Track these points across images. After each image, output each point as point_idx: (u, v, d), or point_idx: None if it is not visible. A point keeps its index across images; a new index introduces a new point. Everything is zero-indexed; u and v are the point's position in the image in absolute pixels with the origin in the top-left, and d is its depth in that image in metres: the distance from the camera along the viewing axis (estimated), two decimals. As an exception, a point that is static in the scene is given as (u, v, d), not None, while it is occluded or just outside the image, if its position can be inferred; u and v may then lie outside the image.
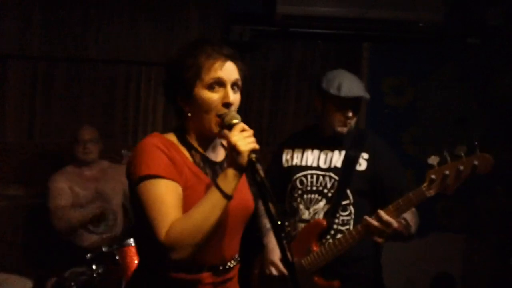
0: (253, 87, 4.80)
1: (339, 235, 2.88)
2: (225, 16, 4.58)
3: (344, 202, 2.93)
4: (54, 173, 4.14)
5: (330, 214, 2.93)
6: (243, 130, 1.80)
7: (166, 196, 1.81)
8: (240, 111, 1.94)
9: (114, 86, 4.61)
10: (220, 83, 1.91)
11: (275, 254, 2.90)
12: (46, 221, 4.09)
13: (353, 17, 4.46)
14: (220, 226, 1.87)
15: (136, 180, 1.84)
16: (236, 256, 2.07)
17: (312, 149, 3.04)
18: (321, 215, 2.96)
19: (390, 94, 5.03)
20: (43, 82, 4.49)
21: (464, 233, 5.17)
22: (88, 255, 3.51)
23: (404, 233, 2.75)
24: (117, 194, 4.16)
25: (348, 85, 2.90)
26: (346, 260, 2.87)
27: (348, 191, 2.93)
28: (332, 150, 3.00)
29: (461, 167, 2.52)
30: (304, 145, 3.06)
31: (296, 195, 3.03)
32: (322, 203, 2.97)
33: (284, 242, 1.79)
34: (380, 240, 2.67)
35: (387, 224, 2.61)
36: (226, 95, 1.90)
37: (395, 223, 2.62)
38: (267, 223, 2.99)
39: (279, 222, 1.80)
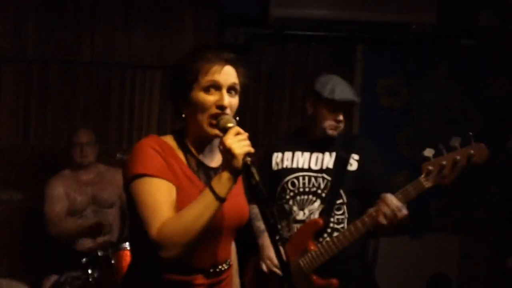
0: (247, 88, 4.79)
1: (335, 234, 2.92)
2: (219, 18, 4.59)
3: (338, 202, 2.98)
4: (50, 178, 4.13)
5: (326, 214, 2.97)
6: (237, 134, 1.81)
7: (159, 195, 1.83)
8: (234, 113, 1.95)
9: (109, 89, 4.60)
10: (216, 86, 1.92)
11: (271, 250, 2.92)
12: (41, 225, 4.08)
13: (346, 19, 4.49)
14: (213, 230, 1.88)
15: (130, 179, 1.87)
16: (228, 260, 2.07)
17: (302, 151, 3.09)
18: (316, 215, 3.00)
19: (384, 96, 5.04)
20: (37, 85, 4.48)
21: (459, 233, 5.18)
22: (84, 259, 3.50)
23: (405, 221, 2.74)
24: (114, 198, 4.15)
25: (341, 89, 2.97)
26: (343, 258, 2.91)
27: (341, 191, 2.98)
28: (323, 152, 3.05)
29: (458, 157, 2.55)
30: (294, 148, 3.11)
31: (287, 197, 3.05)
32: (316, 204, 3.00)
33: (279, 244, 1.80)
34: (388, 227, 2.68)
35: (398, 208, 2.63)
36: (220, 98, 1.91)
37: (405, 210, 2.65)
38: (261, 225, 3.02)
39: (274, 225, 1.81)
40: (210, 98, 1.91)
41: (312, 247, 2.93)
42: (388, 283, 4.69)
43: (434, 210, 5.12)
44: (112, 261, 3.41)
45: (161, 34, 4.54)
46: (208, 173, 1.99)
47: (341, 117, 2.98)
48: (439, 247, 5.09)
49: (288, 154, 3.10)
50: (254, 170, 1.77)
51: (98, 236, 3.92)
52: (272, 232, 1.80)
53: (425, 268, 5.02)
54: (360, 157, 3.01)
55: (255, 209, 2.99)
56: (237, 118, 1.96)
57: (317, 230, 2.96)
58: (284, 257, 1.80)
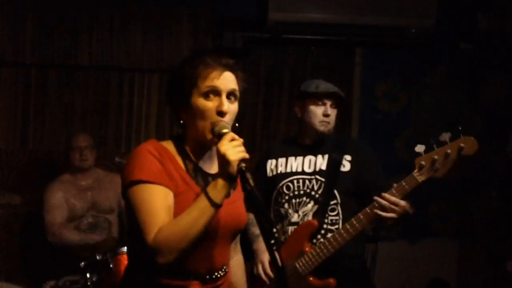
0: (245, 93, 4.79)
1: (329, 235, 2.94)
2: (217, 22, 4.58)
3: (332, 202, 3.01)
4: (50, 183, 4.12)
5: (320, 215, 2.99)
6: (232, 140, 1.80)
7: (156, 201, 1.83)
8: (235, 118, 1.95)
9: (107, 93, 4.60)
10: (216, 91, 1.92)
11: (265, 254, 2.98)
12: (40, 229, 4.07)
13: (345, 23, 4.49)
14: (209, 236, 1.88)
15: (128, 184, 1.87)
16: (225, 267, 2.07)
17: (296, 156, 3.13)
18: (310, 217, 3.02)
19: (383, 99, 5.04)
20: (36, 89, 4.48)
21: (458, 238, 5.18)
22: (82, 263, 3.49)
23: (410, 211, 2.80)
24: (113, 203, 4.14)
25: (325, 84, 3.10)
26: (341, 259, 2.92)
27: (335, 192, 3.02)
28: (315, 154, 3.10)
29: (448, 151, 2.64)
30: (287, 154, 3.16)
31: (283, 200, 3.09)
32: (310, 205, 3.03)
33: (274, 249, 1.80)
34: (390, 221, 2.75)
35: (395, 203, 2.70)
36: (220, 104, 1.90)
37: (403, 202, 2.72)
38: (255, 231, 3.04)
39: (269, 230, 1.81)
40: (210, 104, 1.91)
41: (307, 249, 2.94)
42: (387, 287, 4.70)
43: (433, 214, 5.12)
44: (111, 265, 3.40)
45: (159, 37, 4.53)
46: (206, 180, 1.98)
47: (329, 111, 3.05)
48: (437, 251, 5.09)
49: (281, 160, 3.15)
50: (248, 175, 1.77)
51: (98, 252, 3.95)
52: (267, 237, 1.80)
53: (424, 272, 5.01)
54: (352, 158, 3.06)
55: (250, 215, 3.01)
56: (237, 124, 1.97)
57: (312, 232, 2.97)
58: (279, 263, 1.80)
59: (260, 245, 3.00)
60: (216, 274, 2.01)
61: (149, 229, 1.79)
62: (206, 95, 1.91)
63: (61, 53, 4.41)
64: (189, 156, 1.98)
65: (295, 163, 3.11)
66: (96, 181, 4.18)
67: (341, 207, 3.01)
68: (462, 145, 2.63)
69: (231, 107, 1.93)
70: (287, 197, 3.07)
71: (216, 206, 1.81)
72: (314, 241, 2.97)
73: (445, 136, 2.66)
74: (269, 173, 3.15)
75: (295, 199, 3.06)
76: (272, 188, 3.12)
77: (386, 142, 4.97)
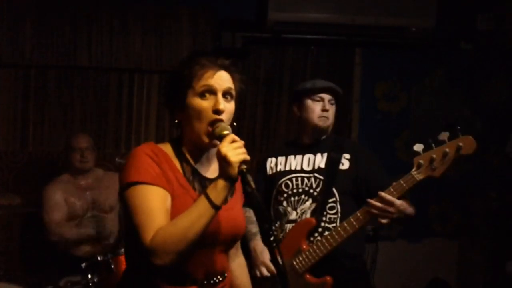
0: (245, 93, 4.78)
1: (327, 233, 2.93)
2: (216, 23, 4.58)
3: (330, 200, 3.01)
4: (49, 183, 4.11)
5: (318, 213, 2.99)
6: (233, 141, 1.80)
7: (153, 202, 1.82)
8: (233, 118, 1.95)
9: (107, 94, 4.60)
10: (211, 91, 1.91)
11: (265, 255, 2.95)
12: (40, 230, 4.07)
13: (345, 23, 4.48)
14: (207, 241, 1.88)
15: (125, 186, 1.86)
16: (225, 272, 2.05)
17: (295, 155, 3.15)
18: (308, 214, 3.02)
19: (383, 100, 5.04)
20: (35, 90, 4.47)
21: (458, 238, 5.18)
22: (83, 263, 3.48)
23: (407, 211, 2.81)
24: (113, 203, 4.14)
25: (322, 80, 3.16)
26: (339, 258, 2.93)
27: (334, 190, 3.02)
28: (314, 153, 3.12)
29: (447, 150, 2.66)
30: (287, 152, 3.18)
31: (282, 198, 3.10)
32: (308, 203, 3.04)
33: (275, 249, 1.80)
34: (384, 221, 2.76)
35: (389, 203, 2.72)
36: (216, 102, 1.90)
37: (397, 201, 2.73)
38: (253, 228, 3.03)
39: (269, 231, 1.80)
40: (205, 104, 1.90)
41: (305, 247, 2.95)
42: (387, 286, 4.70)
43: (433, 214, 5.12)
44: (112, 266, 3.40)
45: (158, 38, 4.52)
46: (203, 183, 1.97)
47: (327, 106, 3.08)
48: (437, 252, 5.09)
49: (281, 159, 3.17)
50: (249, 177, 1.77)
51: (97, 243, 3.93)
52: (269, 239, 1.80)
53: (424, 273, 5.01)
54: (351, 156, 3.07)
55: (247, 213, 3.01)
56: (235, 123, 1.95)
57: (309, 230, 2.98)
58: (281, 263, 1.80)
59: (258, 245, 3.00)
60: (214, 279, 1.99)
61: (147, 231, 1.77)
62: (201, 95, 1.90)
63: (61, 54, 4.40)
64: (186, 159, 1.97)
65: (294, 162, 3.13)
66: (96, 180, 4.17)
67: (340, 205, 3.01)
68: (460, 144, 2.65)
69: (227, 106, 1.92)
70: (285, 195, 3.08)
71: (216, 208, 1.80)
72: (312, 239, 2.98)
73: (444, 135, 2.68)
74: (268, 171, 3.16)
75: (294, 197, 3.06)
76: (272, 187, 3.13)
77: (385, 142, 4.97)
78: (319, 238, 2.95)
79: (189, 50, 4.50)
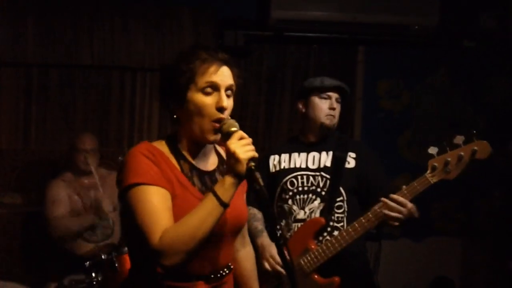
0: (248, 92, 4.79)
1: (335, 232, 2.94)
2: (218, 21, 4.57)
3: (338, 199, 3.00)
4: (51, 180, 4.11)
5: (327, 212, 2.98)
6: (241, 138, 1.79)
7: (156, 203, 1.80)
8: (235, 116, 1.93)
9: (109, 92, 4.59)
10: (214, 87, 1.89)
11: (273, 248, 2.93)
12: (43, 229, 4.06)
13: (348, 21, 4.47)
14: (213, 235, 1.86)
15: (125, 188, 1.84)
16: (229, 264, 2.05)
17: (299, 152, 3.13)
18: (317, 214, 3.01)
19: (386, 98, 5.03)
20: (37, 89, 4.47)
21: (462, 237, 5.17)
22: (87, 262, 3.48)
23: (415, 214, 2.81)
24: (116, 201, 4.13)
25: (330, 79, 3.12)
26: (345, 256, 2.91)
27: (341, 189, 3.01)
28: (319, 151, 3.10)
29: (462, 153, 2.69)
30: (291, 150, 3.15)
31: (287, 196, 3.07)
32: (316, 202, 3.02)
33: (284, 247, 1.79)
34: (396, 223, 2.76)
35: (401, 204, 2.72)
36: (220, 100, 1.88)
37: (410, 204, 2.74)
38: (259, 226, 3.03)
39: (277, 228, 1.81)
40: (209, 100, 1.88)
41: (313, 246, 2.94)
42: (391, 285, 4.68)
43: (437, 213, 5.11)
44: (116, 265, 3.38)
45: (160, 36, 4.52)
46: (203, 178, 1.96)
47: (334, 104, 3.06)
48: (441, 250, 5.08)
49: (285, 156, 3.14)
50: (258, 175, 1.76)
51: (100, 213, 3.93)
52: (277, 236, 1.79)
53: (427, 271, 5.00)
54: (356, 155, 3.06)
55: (252, 210, 3.01)
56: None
57: (318, 229, 2.97)
58: (289, 259, 1.80)
59: (266, 240, 2.98)
60: (221, 272, 1.99)
61: (153, 232, 1.76)
62: (204, 91, 1.88)
63: (63, 52, 4.40)
64: (183, 156, 1.95)
65: (298, 159, 3.10)
66: (99, 179, 4.16)
67: (346, 205, 3.01)
68: (475, 148, 2.68)
69: (229, 103, 1.91)
70: (291, 193, 3.06)
71: (225, 205, 1.79)
72: (320, 238, 2.97)
73: (459, 139, 2.70)
74: (271, 169, 3.13)
75: (300, 196, 3.04)
76: (275, 184, 3.10)
77: (388, 140, 4.96)
78: (328, 238, 2.95)
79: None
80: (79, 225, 3.98)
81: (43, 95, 4.48)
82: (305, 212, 3.02)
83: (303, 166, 3.08)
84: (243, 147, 1.77)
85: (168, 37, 4.53)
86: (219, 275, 1.98)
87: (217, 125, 1.88)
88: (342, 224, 2.98)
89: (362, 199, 3.04)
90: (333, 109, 3.06)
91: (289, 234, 3.03)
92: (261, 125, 4.85)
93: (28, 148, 4.50)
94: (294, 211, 3.04)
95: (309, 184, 3.04)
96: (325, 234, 2.97)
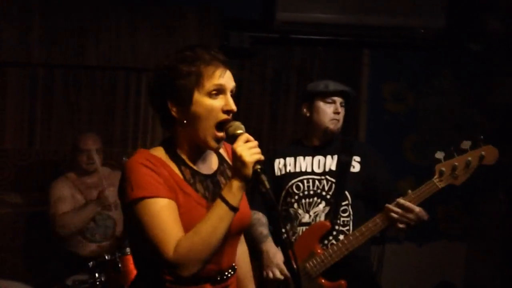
0: (252, 93, 4.80)
1: (341, 236, 2.94)
2: (224, 22, 4.57)
3: (343, 203, 3.00)
4: (55, 180, 4.11)
5: (332, 216, 2.98)
6: (247, 141, 1.79)
7: (164, 215, 1.79)
8: (239, 117, 1.92)
9: (114, 93, 4.60)
10: (221, 90, 1.87)
11: (279, 257, 2.92)
12: (46, 229, 4.07)
13: (353, 23, 4.47)
14: None
15: (130, 203, 1.81)
16: (234, 265, 2.05)
17: (304, 156, 3.12)
18: (322, 217, 3.00)
19: (391, 101, 5.02)
20: (42, 90, 4.47)
21: (466, 240, 5.15)
22: (91, 263, 3.48)
23: (424, 217, 2.82)
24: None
25: (334, 83, 3.10)
26: (348, 260, 2.90)
27: (346, 193, 3.01)
28: (324, 155, 3.10)
29: (469, 158, 2.70)
30: (295, 153, 3.14)
31: (292, 200, 3.06)
32: (321, 205, 3.02)
33: (290, 250, 1.80)
34: (402, 226, 2.76)
35: (408, 209, 2.73)
36: (227, 103, 1.87)
37: (417, 208, 2.74)
38: (264, 231, 3.01)
39: (284, 232, 1.80)
40: (217, 103, 1.86)
41: (319, 250, 2.93)
42: (394, 289, 4.68)
43: (441, 217, 5.09)
44: (119, 265, 3.39)
45: (166, 38, 4.51)
46: (205, 183, 1.95)
47: (339, 109, 3.06)
48: (445, 254, 5.06)
49: (290, 159, 3.13)
50: (264, 177, 1.76)
51: (105, 203, 3.93)
52: (283, 239, 1.79)
53: (431, 276, 4.99)
54: (361, 159, 3.06)
55: (257, 214, 3.00)
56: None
57: (323, 233, 2.96)
58: (294, 264, 1.80)
59: (271, 247, 2.96)
60: (226, 274, 1.99)
61: (166, 245, 1.75)
62: (211, 94, 1.86)
63: (68, 53, 4.40)
64: (183, 161, 1.93)
65: (304, 163, 3.10)
66: (102, 179, 4.16)
67: (351, 209, 3.01)
68: (483, 153, 2.70)
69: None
70: (296, 197, 3.05)
71: (235, 210, 1.79)
72: (326, 242, 2.97)
73: (466, 144, 2.70)
74: (277, 172, 3.12)
75: (305, 199, 3.04)
76: (280, 188, 3.09)
77: (393, 143, 4.95)
78: (333, 242, 2.94)
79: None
80: (85, 217, 3.96)
81: (48, 95, 4.49)
82: (310, 216, 3.02)
83: (309, 170, 3.08)
84: (249, 150, 1.76)
85: (173, 38, 4.53)
86: (224, 277, 1.98)
87: (220, 134, 1.87)
88: (348, 228, 2.99)
89: (367, 203, 3.04)
90: (338, 113, 3.06)
91: (294, 237, 3.02)
92: (266, 127, 4.85)
93: (33, 147, 4.51)
94: (300, 214, 3.04)
95: (315, 188, 3.04)
96: (330, 238, 2.97)
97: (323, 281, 2.92)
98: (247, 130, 1.84)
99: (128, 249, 3.47)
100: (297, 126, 4.80)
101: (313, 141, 3.13)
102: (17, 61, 4.36)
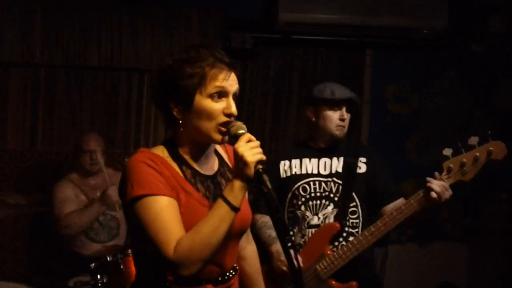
0: (255, 94, 4.79)
1: (351, 238, 2.94)
2: (226, 23, 4.56)
3: (351, 205, 3.01)
4: (58, 181, 4.10)
5: (341, 217, 2.98)
6: (249, 141, 1.78)
7: (165, 213, 1.78)
8: (242, 118, 1.92)
9: (116, 94, 4.59)
10: (223, 93, 1.87)
11: None
12: (49, 230, 4.07)
13: (355, 24, 4.46)
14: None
15: (131, 201, 1.81)
16: (235, 266, 2.05)
17: (310, 158, 3.11)
18: (331, 219, 3.00)
19: (393, 102, 5.01)
20: (44, 90, 4.47)
21: (468, 241, 5.14)
22: (93, 264, 3.47)
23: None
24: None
25: (340, 89, 3.06)
26: (352, 262, 2.90)
27: (354, 194, 3.02)
28: (330, 157, 3.09)
29: (477, 154, 2.68)
30: (301, 155, 3.13)
31: (299, 202, 3.05)
32: (330, 208, 3.02)
33: (292, 251, 1.78)
34: (435, 197, 2.67)
35: (446, 188, 2.68)
36: (229, 106, 1.86)
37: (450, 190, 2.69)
38: (272, 233, 3.01)
39: (285, 232, 1.79)
40: (218, 106, 1.86)
41: (329, 252, 2.93)
42: (396, 290, 4.67)
43: (443, 218, 5.08)
44: (121, 266, 3.38)
45: (168, 38, 4.50)
46: (205, 183, 1.94)
47: (345, 115, 3.05)
48: (447, 255, 5.05)
49: (295, 161, 3.11)
50: (266, 178, 1.75)
51: (108, 202, 3.91)
52: (285, 240, 1.78)
53: (434, 276, 4.98)
54: (367, 160, 3.07)
55: (264, 218, 3.00)
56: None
57: (333, 235, 2.96)
58: (296, 264, 1.79)
59: (280, 247, 2.94)
60: (228, 274, 1.98)
61: (167, 244, 1.74)
62: (213, 97, 1.85)
63: (70, 53, 4.39)
64: (185, 161, 1.93)
65: (310, 165, 3.09)
66: (105, 179, 4.15)
67: (360, 210, 3.02)
68: (491, 149, 2.68)
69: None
70: (303, 199, 3.04)
71: (236, 210, 1.78)
72: (336, 244, 2.97)
73: (473, 140, 2.69)
74: (282, 174, 3.10)
75: (312, 201, 3.03)
76: (286, 190, 3.08)
77: (396, 144, 4.95)
78: (344, 243, 2.94)
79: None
80: (89, 216, 3.94)
81: (50, 96, 4.48)
82: (319, 218, 3.01)
83: (315, 172, 3.07)
84: (251, 150, 1.75)
85: (175, 38, 4.52)
86: (226, 278, 1.97)
87: (224, 128, 1.86)
88: (357, 229, 3.00)
89: (374, 204, 3.05)
90: (344, 119, 3.04)
91: (303, 240, 3.02)
92: (268, 128, 4.84)
93: (35, 148, 4.50)
94: (307, 217, 3.03)
95: (322, 190, 3.04)
96: (340, 239, 2.98)
97: (333, 283, 2.92)
98: (250, 131, 1.83)
99: (130, 250, 3.47)
100: (300, 127, 4.79)
101: (318, 143, 3.13)
102: (19, 62, 4.35)
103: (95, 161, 4.03)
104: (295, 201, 3.06)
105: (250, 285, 2.22)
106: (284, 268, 2.89)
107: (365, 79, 4.96)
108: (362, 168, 3.04)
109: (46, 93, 4.47)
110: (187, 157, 1.93)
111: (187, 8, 4.54)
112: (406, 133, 5.03)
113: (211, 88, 1.85)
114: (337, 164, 3.06)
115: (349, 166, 3.03)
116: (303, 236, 3.02)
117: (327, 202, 3.01)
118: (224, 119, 1.86)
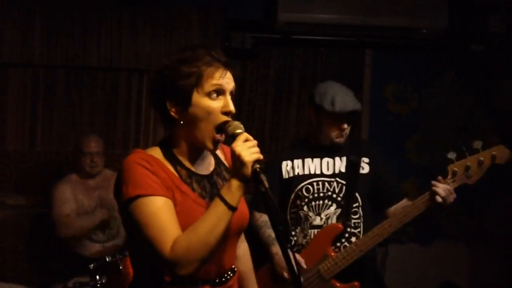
0: (255, 94, 4.78)
1: (353, 239, 2.94)
2: (226, 23, 4.56)
3: (354, 205, 3.00)
4: (57, 181, 4.11)
5: (344, 218, 2.98)
6: (246, 140, 1.77)
7: (161, 213, 1.77)
8: (242, 118, 1.91)
9: (115, 94, 4.59)
10: (220, 91, 1.87)
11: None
12: (48, 231, 4.06)
13: (355, 24, 4.45)
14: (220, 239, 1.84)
15: (126, 201, 1.80)
16: (233, 266, 2.04)
17: (312, 158, 3.08)
18: (334, 220, 3.00)
19: (393, 101, 5.01)
20: (44, 91, 4.47)
21: (469, 242, 5.14)
22: (92, 264, 3.47)
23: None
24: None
25: (342, 99, 2.95)
26: (358, 261, 2.90)
27: (357, 194, 3.01)
28: (333, 157, 3.07)
29: (482, 158, 2.73)
30: (303, 155, 3.10)
31: (302, 203, 3.04)
32: (333, 208, 3.01)
33: (289, 251, 1.77)
34: (440, 200, 2.71)
35: (451, 191, 2.73)
36: (226, 104, 1.86)
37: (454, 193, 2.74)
38: (272, 233, 2.98)
39: (283, 232, 1.79)
40: (215, 104, 1.85)
41: (332, 253, 2.93)
42: (397, 290, 4.66)
43: (444, 218, 5.07)
44: (120, 267, 3.38)
45: (168, 38, 4.51)
46: (201, 183, 1.94)
47: (345, 126, 3.01)
48: (448, 255, 5.05)
49: (298, 162, 3.09)
50: (263, 177, 1.74)
51: (107, 229, 3.93)
52: (282, 239, 1.78)
53: (435, 276, 4.98)
54: (370, 160, 3.05)
55: (264, 217, 2.99)
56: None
57: (336, 235, 2.96)
58: (294, 264, 1.78)
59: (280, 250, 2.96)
60: (226, 276, 1.98)
61: (163, 243, 1.74)
62: (210, 95, 1.85)
63: (69, 54, 4.40)
64: (179, 161, 1.92)
65: (312, 165, 3.07)
66: (104, 180, 4.16)
67: (362, 210, 3.01)
68: (495, 153, 2.73)
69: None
70: (306, 200, 3.02)
71: (233, 209, 1.77)
72: (338, 244, 2.97)
73: (477, 144, 2.73)
74: (284, 175, 3.07)
75: (315, 202, 3.02)
76: (289, 190, 3.06)
77: (396, 144, 4.94)
78: (346, 244, 2.94)
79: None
80: (92, 221, 3.98)
81: (49, 96, 4.48)
82: (321, 218, 3.01)
83: (318, 172, 3.05)
84: (248, 149, 1.74)
85: (175, 39, 4.52)
86: (224, 279, 1.97)
87: (219, 137, 1.86)
88: (359, 230, 2.99)
89: (378, 204, 3.05)
90: (344, 130, 3.00)
91: (305, 240, 3.01)
92: (268, 128, 4.84)
93: (34, 149, 4.50)
94: (310, 217, 3.02)
95: (325, 190, 3.02)
96: (343, 240, 2.97)
97: (336, 283, 2.92)
98: (250, 131, 1.83)
99: (129, 251, 3.47)
100: (300, 127, 4.80)
101: (322, 143, 3.09)
102: (19, 62, 4.36)
103: (95, 163, 4.04)
104: (298, 202, 3.04)
105: (243, 283, 2.21)
106: (285, 274, 2.88)
107: (365, 79, 4.95)
108: (365, 168, 3.03)
109: (46, 93, 4.47)
110: (182, 158, 1.93)
111: (187, 8, 4.54)
112: (406, 133, 5.02)
113: (208, 86, 1.85)
114: (340, 164, 3.05)
115: (352, 166, 3.02)
116: (305, 236, 3.01)
117: (330, 203, 3.00)
118: (222, 118, 1.85)
